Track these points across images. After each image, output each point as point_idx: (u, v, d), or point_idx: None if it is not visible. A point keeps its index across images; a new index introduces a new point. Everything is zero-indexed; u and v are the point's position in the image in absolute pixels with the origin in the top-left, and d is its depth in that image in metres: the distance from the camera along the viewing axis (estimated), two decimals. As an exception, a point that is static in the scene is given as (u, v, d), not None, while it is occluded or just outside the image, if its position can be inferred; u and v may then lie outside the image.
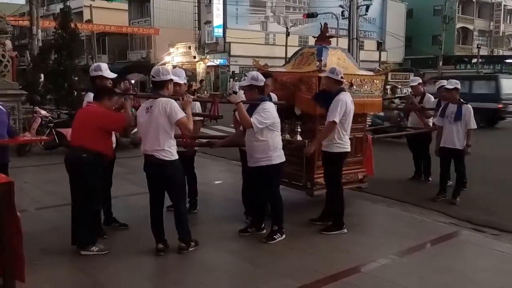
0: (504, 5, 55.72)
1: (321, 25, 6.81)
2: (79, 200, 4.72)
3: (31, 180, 7.90)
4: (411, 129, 8.56)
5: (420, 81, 8.99)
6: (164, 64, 33.95)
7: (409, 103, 8.42)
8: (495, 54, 54.67)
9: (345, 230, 5.50)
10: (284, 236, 5.23)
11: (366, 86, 6.30)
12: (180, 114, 4.54)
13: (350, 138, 6.23)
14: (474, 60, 46.17)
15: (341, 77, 5.46)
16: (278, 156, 5.06)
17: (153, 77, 4.66)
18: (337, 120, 5.30)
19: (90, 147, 4.59)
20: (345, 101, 5.36)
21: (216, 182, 8.00)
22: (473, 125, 6.82)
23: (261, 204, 5.41)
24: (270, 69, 6.60)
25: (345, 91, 5.56)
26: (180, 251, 4.73)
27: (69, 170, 4.72)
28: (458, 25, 51.81)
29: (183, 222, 4.78)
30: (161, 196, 4.77)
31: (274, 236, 5.18)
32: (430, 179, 8.31)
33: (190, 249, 4.78)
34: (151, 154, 4.54)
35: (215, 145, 5.56)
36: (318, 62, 5.90)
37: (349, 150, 5.60)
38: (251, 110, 4.97)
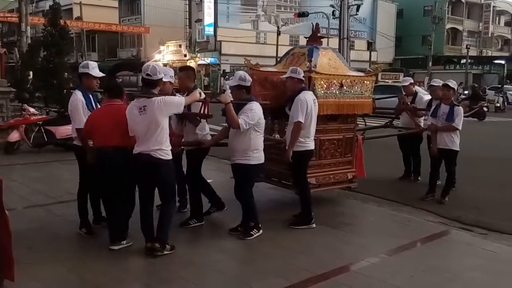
0: (493, 6, 56.22)
1: (313, 25, 6.83)
2: (122, 198, 4.79)
3: (19, 178, 7.82)
4: (402, 129, 8.60)
5: (412, 81, 9.03)
6: (155, 62, 33.79)
7: (401, 103, 8.45)
8: (484, 54, 55.17)
9: (314, 225, 5.59)
10: (261, 231, 5.27)
11: (356, 87, 6.31)
12: (180, 100, 4.66)
13: (339, 138, 6.29)
14: (464, 61, 46.57)
15: (303, 76, 5.56)
16: (257, 157, 5.13)
17: (148, 75, 4.58)
18: (301, 119, 5.38)
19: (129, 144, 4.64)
20: (305, 100, 5.43)
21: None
22: (458, 125, 6.86)
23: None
24: (261, 69, 6.61)
25: (307, 90, 5.61)
26: (153, 252, 4.58)
27: (107, 168, 4.69)
28: (448, 26, 52.19)
29: (166, 223, 4.69)
30: (152, 195, 4.75)
31: (251, 232, 5.23)
32: (419, 178, 8.36)
33: (165, 252, 4.64)
34: (147, 154, 4.49)
35: (204, 144, 5.54)
36: (308, 63, 5.91)
37: (311, 148, 5.63)
38: (238, 110, 5.02)
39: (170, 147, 4.63)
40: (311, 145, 5.63)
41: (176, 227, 5.25)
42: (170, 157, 4.60)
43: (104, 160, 4.70)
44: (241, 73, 5.29)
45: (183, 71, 5.74)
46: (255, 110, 5.02)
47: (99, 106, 5.30)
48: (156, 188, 4.73)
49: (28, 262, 4.31)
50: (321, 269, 4.42)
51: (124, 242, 4.77)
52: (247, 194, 5.26)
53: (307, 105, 5.42)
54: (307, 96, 5.50)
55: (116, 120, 4.67)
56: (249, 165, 5.09)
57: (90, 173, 5.01)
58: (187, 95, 5.30)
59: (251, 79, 5.26)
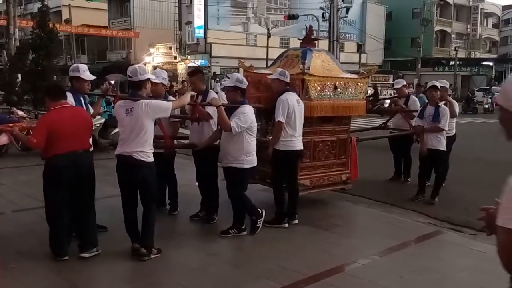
0: (481, 9, 56.74)
1: (306, 28, 6.90)
2: (90, 204, 4.70)
3: (7, 182, 7.75)
4: (394, 130, 8.65)
5: (404, 83, 9.06)
6: (144, 64, 33.70)
7: (394, 105, 8.51)
8: (473, 56, 55.67)
9: (286, 225, 5.66)
10: (244, 232, 5.30)
11: (350, 89, 6.34)
12: (167, 104, 4.66)
13: (333, 140, 6.30)
14: (452, 63, 46.96)
15: (287, 77, 5.62)
16: (250, 161, 5.16)
17: (130, 77, 4.57)
18: (281, 119, 5.43)
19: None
20: (287, 101, 5.48)
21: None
22: (444, 126, 6.90)
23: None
24: (255, 71, 6.62)
25: (291, 92, 5.64)
26: (141, 258, 4.55)
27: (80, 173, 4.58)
28: (436, 28, 52.58)
29: (150, 227, 4.65)
30: (134, 196, 4.70)
31: (230, 231, 5.28)
32: (409, 180, 8.40)
33: (152, 256, 4.61)
34: (129, 155, 4.47)
35: (198, 146, 5.54)
36: (301, 65, 5.93)
37: (296, 149, 5.63)
38: (230, 113, 5.02)
39: (152, 150, 4.59)
40: (298, 145, 5.64)
41: (163, 232, 5.23)
42: (151, 159, 4.56)
43: (76, 165, 4.51)
44: (238, 75, 5.37)
45: (196, 75, 5.81)
46: (247, 114, 5.03)
47: (90, 108, 5.28)
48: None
49: (15, 266, 4.27)
50: (312, 271, 4.42)
51: (95, 249, 4.64)
52: (241, 199, 5.28)
53: (289, 105, 5.47)
54: (289, 97, 5.54)
55: (81, 123, 4.60)
56: (242, 168, 5.11)
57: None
58: (202, 98, 5.40)
59: (247, 83, 5.29)
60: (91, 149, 4.84)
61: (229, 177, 5.25)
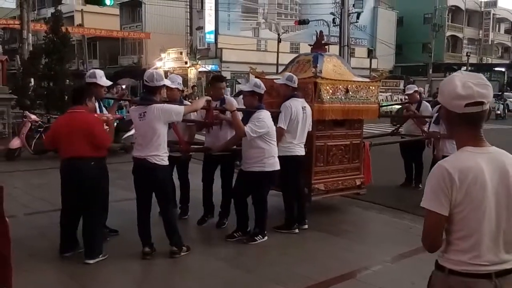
0: (493, 14, 56.35)
1: (317, 33, 6.91)
2: (91, 212, 4.65)
3: (20, 185, 7.82)
4: (406, 136, 8.60)
5: (416, 88, 8.99)
6: (156, 69, 33.89)
7: (405, 111, 8.48)
8: (484, 62, 55.26)
9: (296, 231, 5.63)
10: (266, 238, 5.29)
11: (362, 93, 6.34)
12: (179, 108, 4.67)
13: (346, 144, 6.29)
14: (464, 68, 46.63)
15: (295, 82, 5.63)
16: (272, 164, 5.13)
17: (146, 81, 4.65)
18: (283, 126, 5.44)
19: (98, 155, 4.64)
20: (290, 107, 5.48)
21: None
22: None
23: (245, 208, 5.40)
24: (267, 77, 6.64)
25: (296, 97, 5.63)
26: (172, 255, 4.70)
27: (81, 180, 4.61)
28: (448, 33, 52.28)
29: (173, 227, 4.77)
30: (149, 200, 4.77)
31: (255, 238, 5.24)
32: (420, 186, 8.34)
33: (182, 254, 4.75)
34: (143, 158, 4.53)
35: (213, 150, 5.57)
36: (313, 69, 5.94)
37: (296, 154, 5.59)
38: (247, 118, 5.02)
39: (166, 154, 4.64)
40: (297, 151, 5.60)
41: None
42: (166, 163, 4.63)
43: (72, 172, 4.58)
44: (256, 80, 5.40)
45: (219, 81, 5.99)
46: (263, 119, 5.02)
47: (106, 112, 5.32)
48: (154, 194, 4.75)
49: (27, 269, 4.30)
50: (322, 277, 4.41)
51: (101, 255, 4.66)
52: (264, 202, 5.29)
53: (291, 111, 5.46)
54: (293, 103, 5.53)
55: (77, 130, 4.50)
56: (264, 172, 5.10)
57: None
58: (220, 103, 5.46)
59: (264, 88, 5.30)
60: (96, 155, 4.63)
61: (250, 181, 5.20)
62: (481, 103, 1.94)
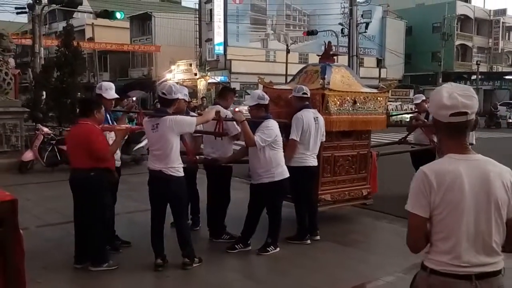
0: (503, 22, 56.13)
1: (325, 43, 6.92)
2: (90, 221, 4.69)
3: (33, 197, 7.88)
4: (415, 145, 8.58)
5: (424, 98, 8.97)
6: (165, 81, 34.10)
7: (414, 120, 8.47)
8: (495, 70, 54.94)
9: (308, 241, 5.61)
10: (278, 249, 5.26)
11: (369, 103, 6.33)
12: (192, 120, 4.73)
13: (353, 155, 6.27)
14: (474, 77, 46.40)
15: (303, 93, 5.62)
16: (281, 173, 5.12)
17: (164, 94, 4.69)
18: (295, 137, 5.44)
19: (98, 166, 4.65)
20: (302, 118, 5.48)
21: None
22: (472, 140, 6.82)
23: (256, 223, 5.35)
24: (275, 87, 6.67)
25: (308, 108, 5.63)
26: (184, 267, 4.70)
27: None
28: (457, 42, 52.13)
29: (186, 238, 4.78)
30: (163, 211, 4.79)
31: (268, 248, 5.22)
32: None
33: (195, 265, 4.75)
34: (159, 170, 4.56)
35: (220, 161, 5.57)
36: (321, 80, 5.96)
37: (309, 165, 5.59)
38: (254, 128, 5.04)
39: (181, 165, 4.67)
40: (309, 161, 5.61)
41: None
42: (181, 174, 4.66)
43: (73, 183, 4.72)
44: (259, 92, 5.43)
45: (229, 93, 6.07)
46: (271, 127, 5.05)
47: (115, 124, 5.37)
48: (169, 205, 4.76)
49: (41, 281, 4.33)
50: (335, 288, 4.39)
51: (105, 264, 4.69)
52: (278, 212, 5.29)
53: (303, 123, 5.47)
54: (305, 114, 5.54)
55: (78, 142, 4.64)
56: (273, 182, 5.08)
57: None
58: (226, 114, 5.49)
59: (268, 97, 5.33)
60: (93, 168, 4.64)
61: (262, 193, 5.19)
62: (465, 113, 2.03)
